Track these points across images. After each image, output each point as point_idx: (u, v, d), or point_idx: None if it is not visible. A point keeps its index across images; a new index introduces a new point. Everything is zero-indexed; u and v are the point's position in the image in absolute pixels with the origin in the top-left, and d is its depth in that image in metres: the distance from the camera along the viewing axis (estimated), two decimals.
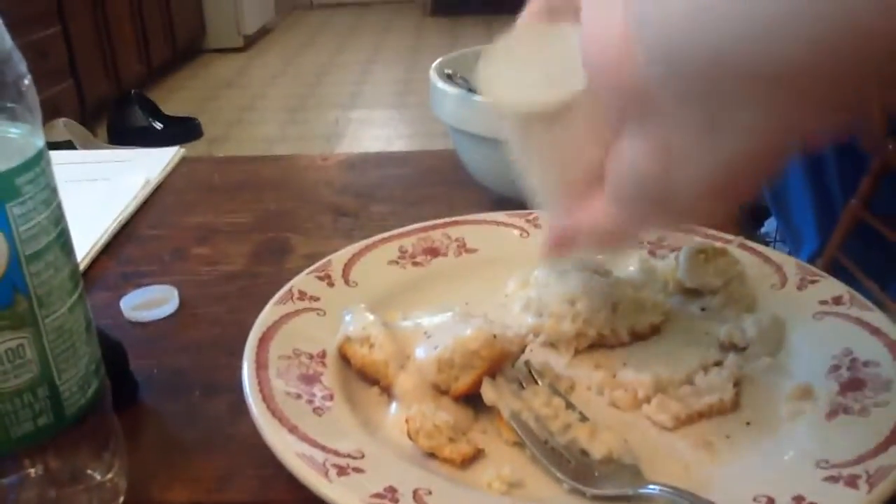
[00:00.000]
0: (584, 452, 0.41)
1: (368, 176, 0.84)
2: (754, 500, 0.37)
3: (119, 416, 0.42)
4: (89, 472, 0.40)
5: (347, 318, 0.50)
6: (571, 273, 0.54)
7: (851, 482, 0.37)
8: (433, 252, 0.61)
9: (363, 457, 0.40)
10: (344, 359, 0.48)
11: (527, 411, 0.44)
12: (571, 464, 0.41)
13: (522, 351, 0.47)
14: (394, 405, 0.46)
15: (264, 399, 0.43)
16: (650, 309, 0.53)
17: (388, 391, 0.47)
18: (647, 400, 0.46)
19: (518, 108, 0.41)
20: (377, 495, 0.37)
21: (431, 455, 0.42)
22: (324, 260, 0.57)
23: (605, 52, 0.30)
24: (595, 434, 0.42)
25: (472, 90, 0.69)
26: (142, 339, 0.57)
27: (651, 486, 0.38)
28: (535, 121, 0.40)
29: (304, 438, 0.41)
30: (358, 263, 0.58)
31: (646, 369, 0.47)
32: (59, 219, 0.36)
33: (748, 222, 0.73)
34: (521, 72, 0.41)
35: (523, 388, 0.46)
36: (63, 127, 2.69)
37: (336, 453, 0.40)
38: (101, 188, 0.81)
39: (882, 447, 0.39)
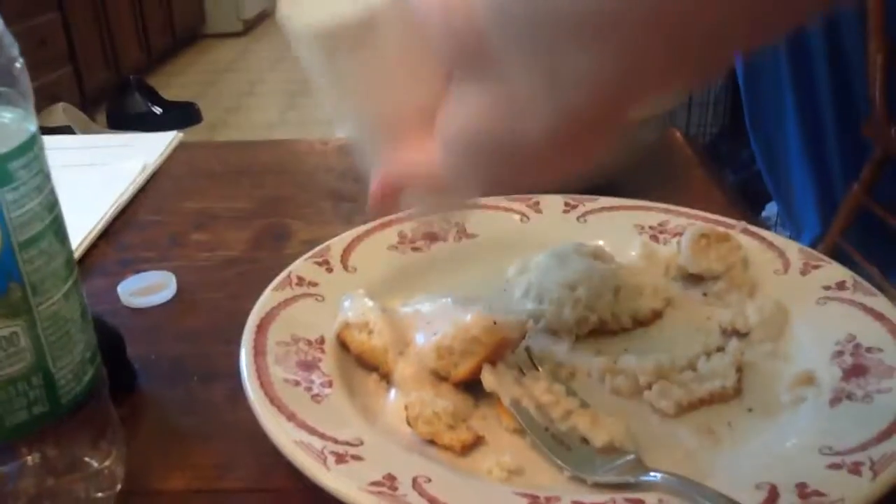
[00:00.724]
0: (585, 440, 0.41)
1: None
2: (756, 487, 0.37)
3: (116, 404, 0.42)
4: (87, 460, 0.39)
5: (346, 303, 0.50)
6: (572, 258, 0.54)
7: (855, 469, 0.37)
8: (433, 237, 0.60)
9: (362, 444, 0.40)
10: (342, 345, 0.48)
11: (527, 398, 0.43)
12: (572, 451, 0.41)
13: (523, 337, 0.47)
14: (393, 392, 0.45)
15: (262, 386, 0.43)
16: (651, 294, 0.53)
17: (387, 378, 0.46)
18: (649, 386, 0.45)
19: (313, 28, 0.35)
20: (376, 483, 0.37)
21: (431, 442, 0.42)
22: (322, 245, 0.57)
23: None
24: (596, 421, 0.42)
25: None
26: (139, 326, 0.56)
27: (652, 474, 0.38)
28: (340, 42, 0.34)
29: (303, 426, 0.41)
30: (357, 249, 0.57)
31: (647, 356, 0.47)
32: (52, 205, 0.36)
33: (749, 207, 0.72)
34: None
35: (524, 374, 0.45)
36: (62, 112, 2.68)
37: (334, 441, 0.40)
38: (98, 173, 0.80)
39: (886, 434, 0.39)
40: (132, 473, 0.42)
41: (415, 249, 0.59)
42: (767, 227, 0.59)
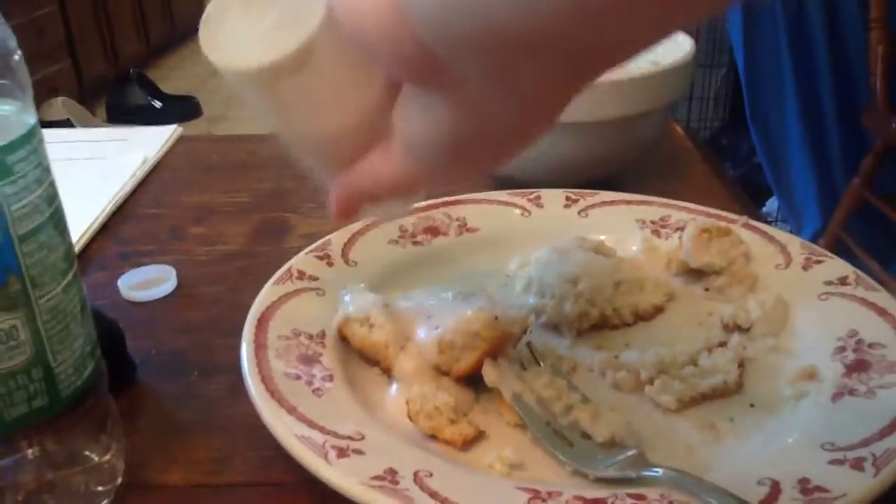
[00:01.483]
0: (587, 434, 0.41)
1: None
2: (758, 482, 0.37)
3: (116, 398, 0.42)
4: (86, 453, 0.39)
5: (347, 298, 0.49)
6: (574, 253, 0.53)
7: (857, 465, 0.37)
8: (434, 231, 0.60)
9: (363, 438, 0.40)
10: (343, 339, 0.48)
11: (528, 393, 0.43)
12: (574, 446, 0.41)
13: (524, 332, 0.47)
14: (394, 386, 0.45)
15: (263, 380, 0.43)
16: (653, 289, 0.53)
17: (388, 372, 0.46)
18: (650, 381, 0.45)
19: (254, 66, 0.33)
20: (377, 477, 0.37)
21: (432, 437, 0.42)
22: (323, 239, 0.57)
23: (377, 20, 0.29)
24: (598, 416, 0.42)
25: None
26: (139, 320, 0.56)
27: (654, 469, 0.38)
28: (281, 73, 0.33)
29: (304, 420, 0.40)
30: (358, 243, 0.57)
31: (649, 350, 0.47)
32: (52, 198, 0.36)
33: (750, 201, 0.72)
34: (248, 21, 0.34)
35: (525, 369, 0.45)
36: (61, 106, 2.68)
37: (336, 435, 0.40)
38: (98, 167, 0.80)
39: (888, 430, 0.39)
40: (132, 467, 0.42)
41: (416, 244, 0.59)
42: (767, 223, 0.59)
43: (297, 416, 0.41)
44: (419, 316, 0.47)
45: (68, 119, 2.63)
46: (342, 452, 0.39)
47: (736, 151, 2.45)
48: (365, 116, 0.35)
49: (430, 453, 0.40)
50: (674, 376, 0.45)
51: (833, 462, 0.38)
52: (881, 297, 0.49)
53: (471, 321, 0.44)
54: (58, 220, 0.36)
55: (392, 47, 0.29)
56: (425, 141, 0.32)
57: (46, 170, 0.35)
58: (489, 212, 0.62)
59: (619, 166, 0.72)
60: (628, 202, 0.62)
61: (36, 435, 0.37)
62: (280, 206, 0.73)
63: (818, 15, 1.88)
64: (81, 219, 0.68)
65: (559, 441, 0.41)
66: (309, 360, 0.46)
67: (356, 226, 0.58)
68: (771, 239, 0.56)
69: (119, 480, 0.41)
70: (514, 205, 0.62)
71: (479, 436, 0.42)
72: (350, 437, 0.40)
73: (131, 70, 3.41)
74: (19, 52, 0.34)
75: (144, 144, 0.84)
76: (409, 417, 0.42)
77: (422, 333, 0.46)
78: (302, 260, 0.54)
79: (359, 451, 0.39)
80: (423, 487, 0.37)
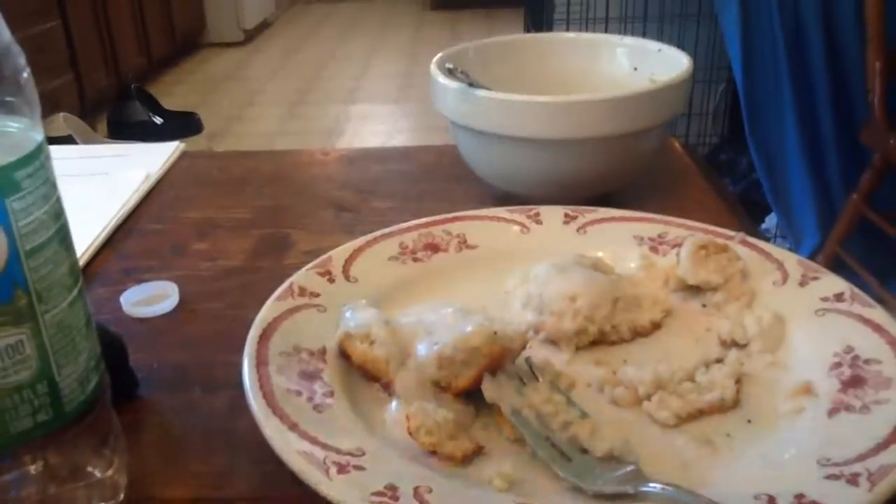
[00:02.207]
0: (585, 450, 0.41)
1: (369, 171, 0.84)
2: (755, 498, 0.37)
3: (119, 413, 0.42)
4: (89, 468, 0.39)
5: (347, 314, 0.50)
6: (572, 269, 0.54)
7: (853, 480, 0.37)
8: (434, 248, 0.60)
9: (364, 454, 0.40)
10: (344, 355, 0.48)
11: (527, 408, 0.44)
12: (572, 461, 0.41)
13: (523, 348, 0.47)
14: (394, 402, 0.46)
15: (264, 396, 0.43)
16: (651, 306, 0.53)
17: (388, 388, 0.46)
18: (648, 397, 0.46)
19: None
20: (378, 493, 0.37)
21: (432, 452, 0.42)
22: (324, 256, 0.57)
23: None
24: (596, 431, 0.42)
25: (472, 85, 0.68)
26: (142, 335, 0.56)
27: (652, 484, 0.38)
28: None
29: (305, 436, 0.41)
30: (358, 259, 0.57)
31: (646, 366, 0.47)
32: (58, 213, 0.36)
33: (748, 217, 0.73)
34: None
35: (524, 384, 0.45)
36: (63, 122, 2.68)
37: (336, 451, 0.40)
38: (101, 183, 0.81)
39: (883, 445, 0.39)
40: (134, 482, 0.42)
41: (416, 260, 0.59)
42: (766, 239, 0.59)
43: (298, 432, 0.41)
44: (419, 332, 0.47)
45: (70, 135, 2.64)
46: (343, 468, 0.39)
47: (735, 167, 2.46)
48: None
49: (430, 469, 0.41)
50: (671, 392, 0.46)
51: (829, 477, 0.38)
52: (876, 313, 0.49)
53: (470, 337, 0.44)
54: (64, 235, 0.37)
55: None
56: None
57: (53, 186, 0.36)
58: (489, 228, 0.62)
59: (617, 183, 0.72)
60: (626, 219, 0.62)
61: (39, 449, 0.37)
62: (281, 222, 0.73)
63: (816, 31, 1.89)
64: (84, 235, 0.68)
65: (558, 456, 0.41)
66: (310, 376, 0.46)
67: (357, 242, 0.59)
68: (768, 255, 0.57)
69: (122, 495, 0.41)
70: (514, 221, 0.63)
71: (478, 451, 0.42)
72: (350, 453, 0.40)
73: (132, 85, 3.42)
74: (28, 70, 0.35)
75: (147, 161, 0.85)
76: (409, 433, 0.43)
77: (422, 349, 0.46)
78: (303, 276, 0.55)
79: (359, 467, 0.39)
80: (423, 503, 0.37)
